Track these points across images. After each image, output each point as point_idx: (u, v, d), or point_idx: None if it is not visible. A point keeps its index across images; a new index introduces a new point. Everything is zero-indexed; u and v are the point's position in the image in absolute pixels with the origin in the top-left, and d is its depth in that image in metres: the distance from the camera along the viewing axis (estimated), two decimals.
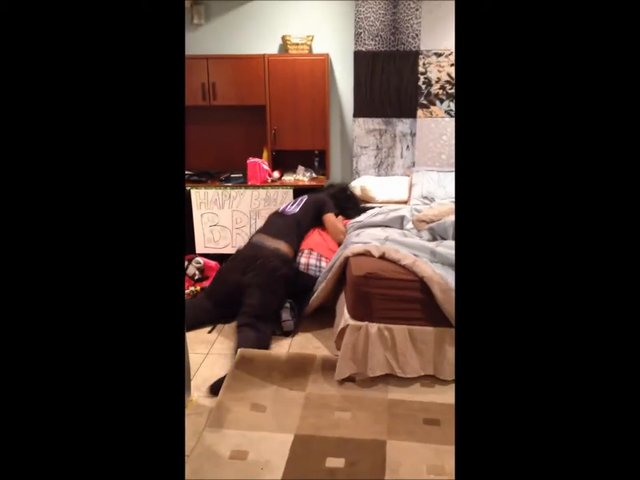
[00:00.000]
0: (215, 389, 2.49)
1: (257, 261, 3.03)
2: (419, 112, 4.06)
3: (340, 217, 3.60)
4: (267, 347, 2.83)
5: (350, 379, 2.53)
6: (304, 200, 3.51)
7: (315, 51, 3.99)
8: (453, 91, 3.97)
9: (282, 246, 3.13)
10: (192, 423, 2.22)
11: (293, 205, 3.51)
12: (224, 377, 2.53)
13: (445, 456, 2.00)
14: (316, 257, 3.29)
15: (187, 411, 2.30)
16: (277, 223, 3.33)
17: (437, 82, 4.00)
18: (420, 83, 4.02)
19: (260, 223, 3.89)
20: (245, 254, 3.16)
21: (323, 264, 3.23)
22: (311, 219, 3.44)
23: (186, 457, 2.01)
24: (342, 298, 2.87)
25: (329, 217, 3.47)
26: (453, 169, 3.83)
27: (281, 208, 3.52)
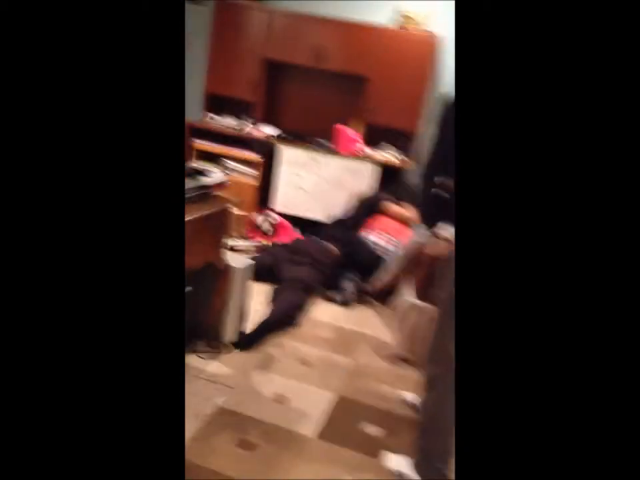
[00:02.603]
0: (241, 343, 2.38)
1: (308, 253, 3.17)
2: None
3: (406, 204, 3.58)
4: (295, 316, 2.73)
5: (401, 359, 2.52)
6: (356, 203, 3.68)
7: (434, 28, 3.85)
8: None
9: (331, 248, 3.26)
10: (242, 362, 2.29)
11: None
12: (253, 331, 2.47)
13: None
14: (386, 239, 3.30)
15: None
16: (330, 229, 3.55)
17: None
18: None
19: (341, 194, 3.89)
20: (300, 246, 3.30)
21: (391, 248, 3.23)
22: (360, 216, 3.56)
23: (231, 390, 2.08)
24: (408, 280, 2.84)
25: (389, 206, 3.52)
26: None
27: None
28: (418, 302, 2.51)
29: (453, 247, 1.70)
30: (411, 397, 2.17)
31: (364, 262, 3.20)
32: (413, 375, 2.38)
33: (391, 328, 2.74)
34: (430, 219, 1.74)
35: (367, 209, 3.56)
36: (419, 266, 2.60)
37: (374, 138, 4.05)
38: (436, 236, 2.47)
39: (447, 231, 1.92)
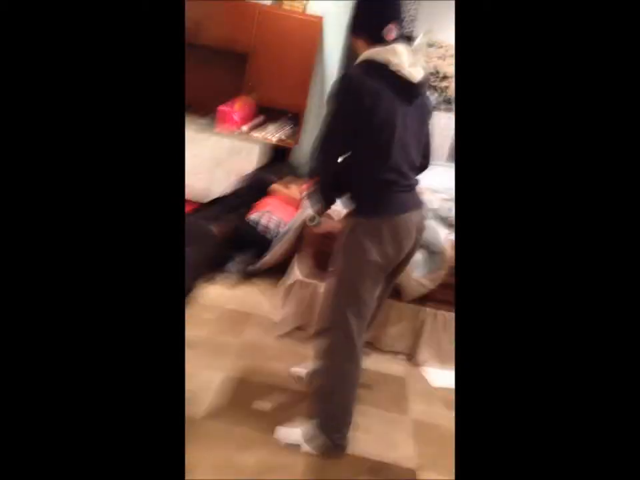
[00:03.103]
0: None
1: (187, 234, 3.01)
2: None
3: (292, 184, 3.56)
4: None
5: (288, 335, 2.50)
6: (240, 184, 3.57)
7: (310, 10, 3.88)
8: (437, 84, 4.01)
9: (213, 228, 3.15)
10: None
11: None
12: None
13: (367, 418, 2.01)
14: (275, 220, 3.25)
15: None
16: (212, 209, 3.40)
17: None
18: None
19: (220, 173, 3.76)
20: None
21: (277, 227, 3.19)
22: (244, 196, 3.48)
23: None
24: (295, 257, 2.83)
25: (275, 186, 3.48)
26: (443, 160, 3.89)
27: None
28: (301, 277, 2.51)
29: (342, 223, 1.70)
30: (300, 370, 2.15)
31: (249, 242, 3.12)
32: (301, 349, 2.37)
33: (278, 305, 2.70)
34: (325, 196, 1.72)
35: (252, 188, 3.48)
36: (308, 243, 2.59)
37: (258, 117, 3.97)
38: (325, 213, 2.47)
39: (339, 207, 1.91)
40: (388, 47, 1.52)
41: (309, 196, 2.63)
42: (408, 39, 3.91)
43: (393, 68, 1.50)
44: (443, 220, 2.73)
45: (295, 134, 4.03)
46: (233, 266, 3.03)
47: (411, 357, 2.51)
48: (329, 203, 1.76)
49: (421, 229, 1.68)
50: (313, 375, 1.91)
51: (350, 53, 3.93)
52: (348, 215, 1.68)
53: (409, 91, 1.54)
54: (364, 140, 1.54)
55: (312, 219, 2.87)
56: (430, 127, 1.71)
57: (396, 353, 2.52)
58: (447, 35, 3.93)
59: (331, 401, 1.71)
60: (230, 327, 2.50)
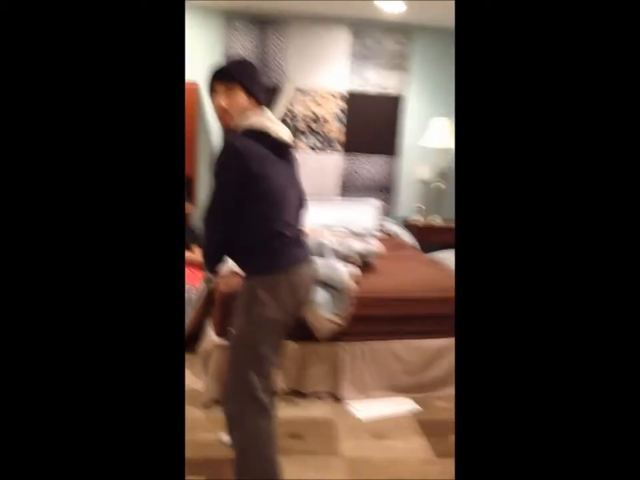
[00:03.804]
0: None
1: None
2: None
3: (196, 248, 3.58)
4: None
5: (215, 402, 2.47)
6: None
7: (187, 75, 3.96)
8: (319, 128, 4.22)
9: None
10: None
11: None
12: None
13: (300, 467, 2.05)
14: (186, 287, 3.23)
15: None
16: None
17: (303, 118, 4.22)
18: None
19: None
20: None
21: (193, 295, 3.17)
22: None
23: None
24: (209, 321, 2.83)
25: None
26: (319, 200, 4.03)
27: None
28: (218, 340, 2.51)
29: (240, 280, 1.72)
30: (227, 437, 2.13)
31: None
32: None
33: (199, 372, 2.68)
34: (212, 262, 1.76)
35: None
36: (217, 305, 2.60)
37: None
38: (220, 273, 2.48)
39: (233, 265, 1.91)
40: (263, 115, 1.64)
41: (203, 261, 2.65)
42: (274, 90, 4.11)
43: (271, 132, 1.62)
44: (341, 256, 2.86)
45: (191, 197, 4.07)
46: None
47: (336, 394, 2.57)
48: (215, 267, 1.79)
49: (313, 280, 1.77)
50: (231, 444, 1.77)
51: None
52: (243, 276, 1.72)
53: (282, 149, 1.67)
54: (254, 203, 1.59)
55: (207, 280, 2.90)
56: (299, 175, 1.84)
57: (320, 393, 2.57)
58: (314, 80, 4.18)
59: (250, 470, 1.66)
60: None
